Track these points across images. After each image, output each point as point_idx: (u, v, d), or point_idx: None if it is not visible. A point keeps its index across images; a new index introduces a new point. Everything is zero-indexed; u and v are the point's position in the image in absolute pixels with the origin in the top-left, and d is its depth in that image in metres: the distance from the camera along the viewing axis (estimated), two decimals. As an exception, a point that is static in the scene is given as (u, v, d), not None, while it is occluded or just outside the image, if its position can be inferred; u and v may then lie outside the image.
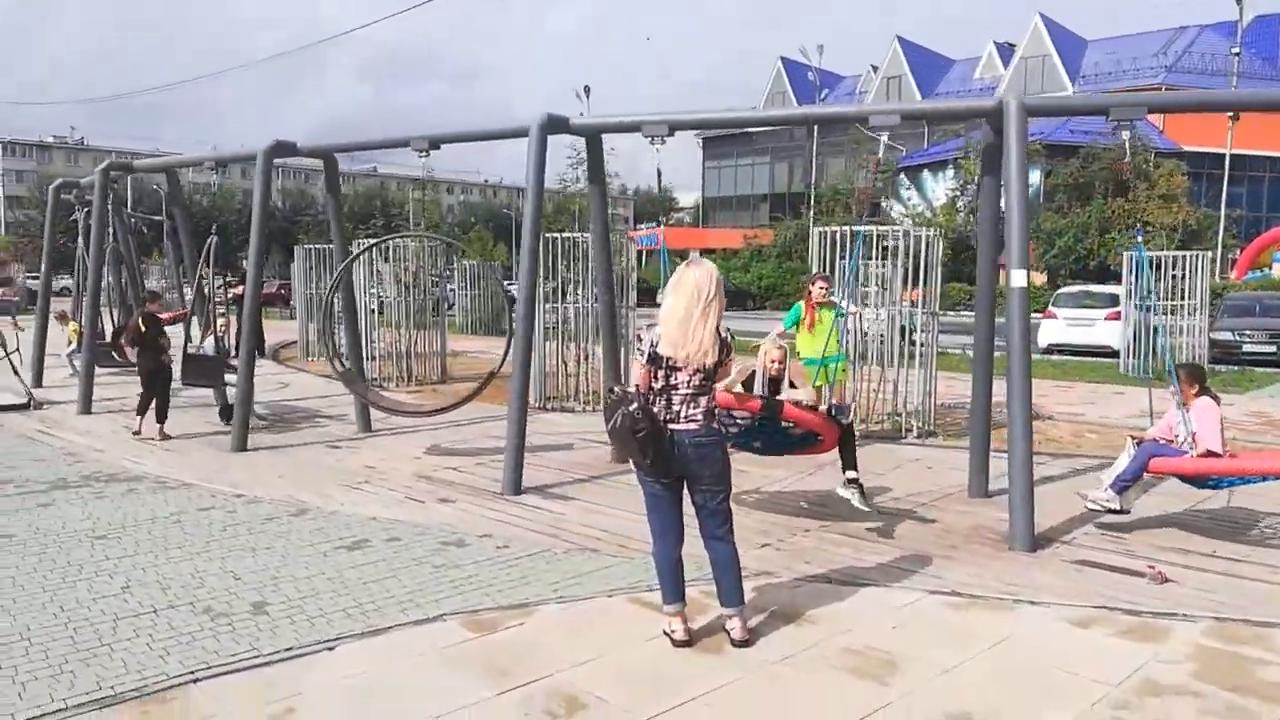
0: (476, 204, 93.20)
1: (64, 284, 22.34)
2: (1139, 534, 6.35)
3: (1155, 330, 14.80)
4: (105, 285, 12.92)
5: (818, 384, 8.58)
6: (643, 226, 60.67)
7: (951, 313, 21.47)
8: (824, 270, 9.97)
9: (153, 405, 9.68)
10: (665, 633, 4.44)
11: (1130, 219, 35.14)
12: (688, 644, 4.37)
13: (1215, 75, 43.91)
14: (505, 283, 22.47)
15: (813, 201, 48.97)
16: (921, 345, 10.18)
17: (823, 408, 6.48)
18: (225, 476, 7.99)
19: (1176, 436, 6.43)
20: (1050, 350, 18.65)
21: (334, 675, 4.12)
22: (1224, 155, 36.99)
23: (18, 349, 12.38)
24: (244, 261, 11.09)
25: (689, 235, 55.46)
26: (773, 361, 6.39)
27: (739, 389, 6.16)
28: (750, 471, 7.68)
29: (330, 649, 4.40)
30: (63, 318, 15.10)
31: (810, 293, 9.28)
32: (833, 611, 4.84)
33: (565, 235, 12.28)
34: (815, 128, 52.74)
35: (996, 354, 7.24)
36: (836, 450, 6.51)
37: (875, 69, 60.87)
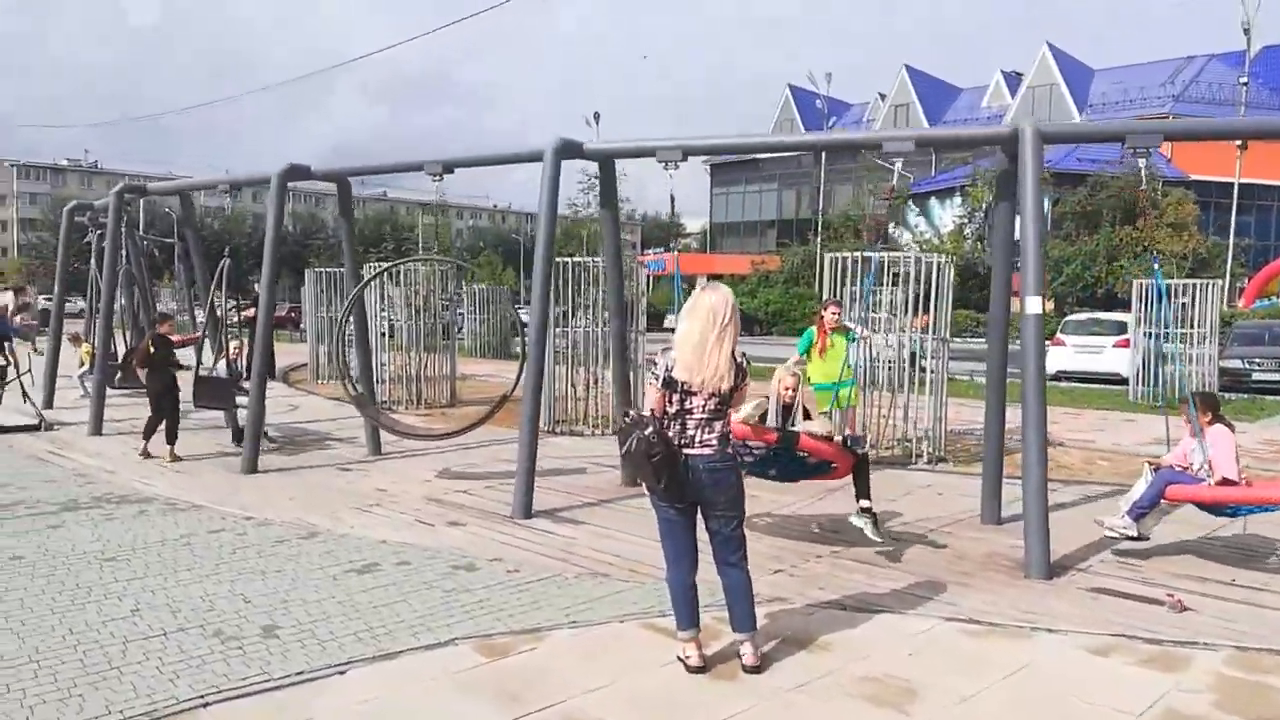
0: (486, 229, 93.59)
1: (77, 306, 22.44)
2: (1155, 561, 6.29)
3: (1169, 358, 14.77)
4: (118, 307, 12.98)
5: (825, 410, 8.57)
6: (650, 251, 60.76)
7: (958, 339, 21.46)
8: (835, 296, 9.99)
9: (163, 427, 9.70)
10: (679, 658, 4.39)
11: (1138, 247, 35.14)
12: (702, 670, 4.32)
13: (1222, 105, 44.01)
14: (515, 307, 22.51)
15: (820, 228, 49.08)
16: (932, 372, 10.16)
17: (838, 438, 6.48)
18: (235, 499, 7.98)
19: (1192, 464, 6.40)
20: (1058, 377, 18.60)
21: (345, 700, 4.08)
22: (1230, 184, 37.01)
23: (29, 370, 12.42)
24: (255, 284, 11.12)
25: (697, 260, 55.56)
26: (786, 389, 6.43)
27: (755, 421, 6.18)
28: (761, 496, 7.64)
29: (341, 673, 4.36)
30: (75, 339, 15.15)
31: (822, 318, 9.27)
32: (847, 638, 4.79)
33: (575, 260, 12.31)
34: (823, 155, 53.04)
35: (1008, 380, 7.23)
36: (850, 476, 6.51)
37: (883, 97, 61.21)
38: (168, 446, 9.64)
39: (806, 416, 6.57)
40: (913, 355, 10.39)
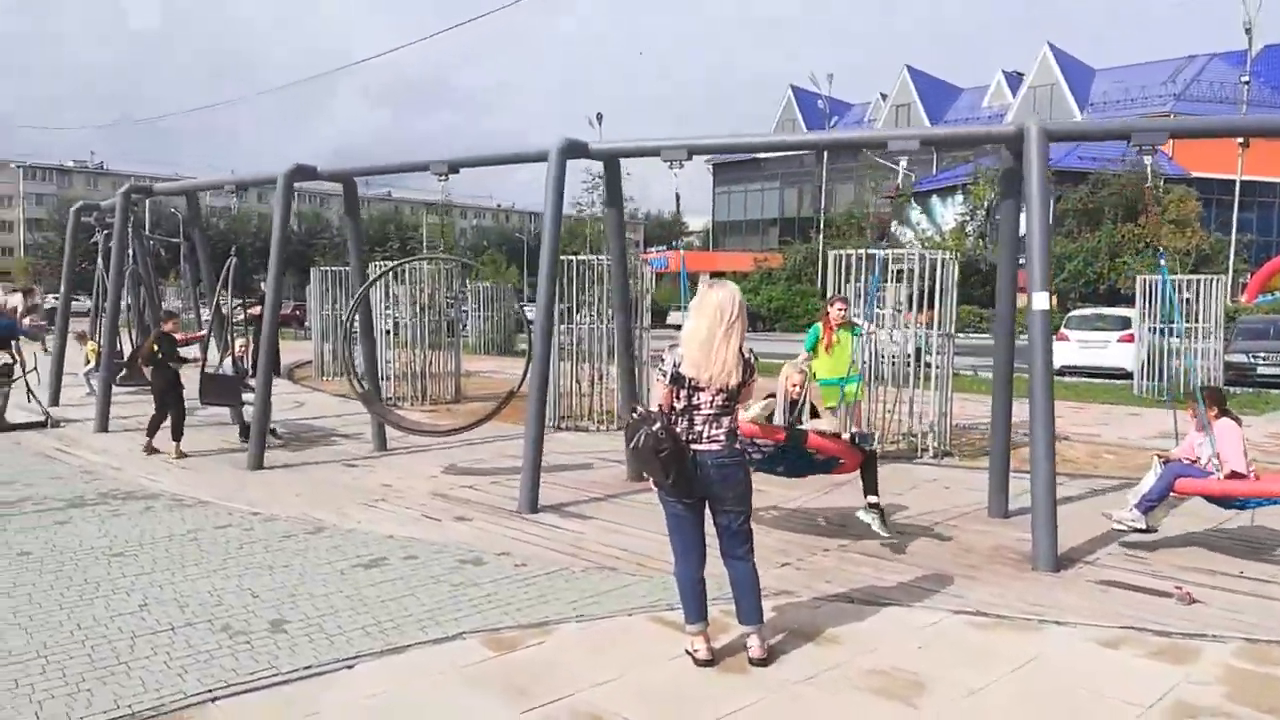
0: (489, 228, 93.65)
1: (83, 305, 22.57)
2: (1162, 554, 6.28)
3: (1177, 353, 14.75)
4: (124, 306, 13.00)
5: (830, 405, 8.57)
6: (653, 250, 60.78)
7: (961, 335, 21.46)
8: (840, 292, 9.99)
9: (168, 424, 9.71)
10: (688, 652, 4.39)
11: (1140, 244, 35.12)
12: (710, 663, 4.32)
13: (1224, 103, 43.91)
14: (519, 304, 22.54)
15: (822, 226, 49.07)
16: (937, 367, 10.16)
17: (846, 435, 6.49)
18: (242, 494, 7.99)
19: (1199, 458, 6.39)
20: (1062, 372, 18.59)
21: (354, 694, 4.08)
22: (1231, 181, 36.99)
23: (35, 368, 12.43)
24: (260, 283, 11.14)
25: (699, 258, 55.54)
26: (794, 386, 6.45)
27: (763, 421, 6.20)
28: (768, 490, 7.62)
29: (350, 667, 4.36)
30: (82, 337, 15.19)
31: (828, 314, 9.27)
32: (855, 631, 4.78)
33: (580, 258, 12.31)
34: (825, 154, 53.00)
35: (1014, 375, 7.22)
36: (858, 472, 6.52)
37: (884, 97, 61.16)
38: (173, 443, 9.66)
39: (814, 414, 6.58)
40: (918, 351, 10.39)
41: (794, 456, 6.40)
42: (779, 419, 6.38)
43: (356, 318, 10.18)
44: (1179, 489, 6.22)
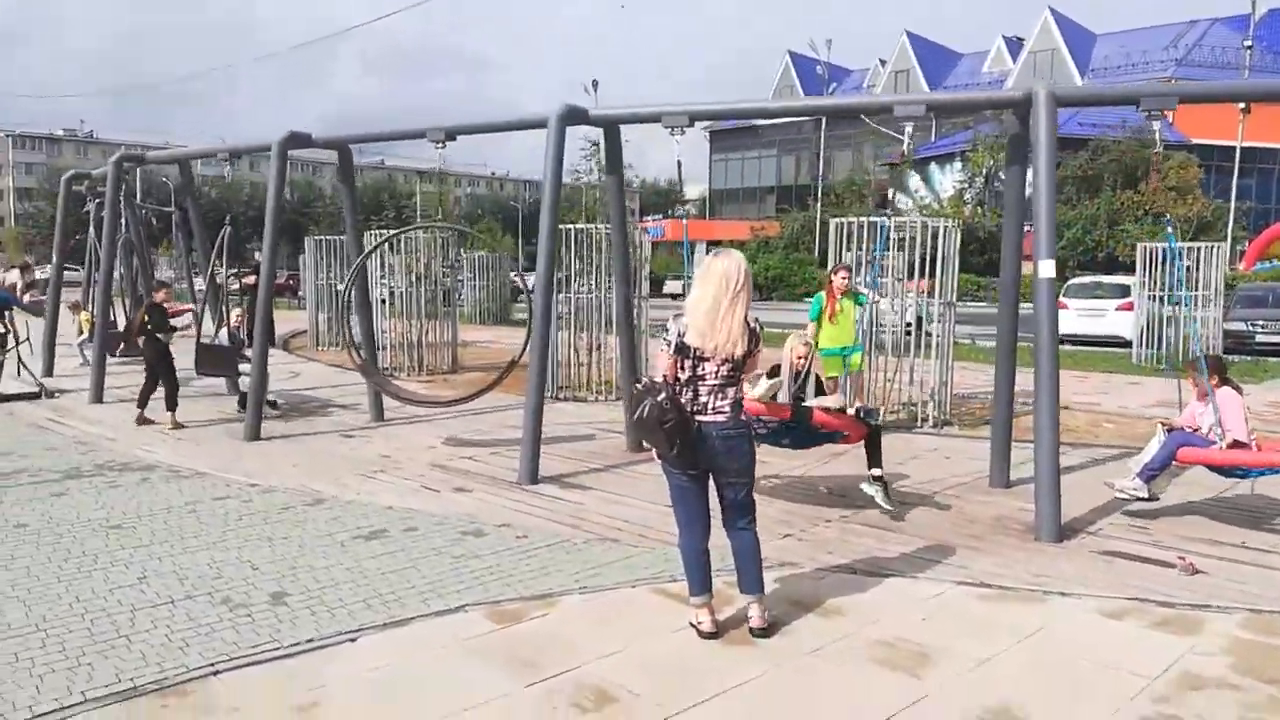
0: (484, 196, 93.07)
1: (74, 275, 22.44)
2: (1164, 523, 6.27)
3: (1182, 320, 14.71)
4: (117, 275, 12.89)
5: (832, 375, 8.54)
6: (649, 219, 60.48)
7: (959, 303, 21.43)
8: (843, 261, 9.92)
9: (162, 394, 9.65)
10: (692, 624, 4.37)
11: (1139, 211, 34.98)
12: (715, 636, 4.30)
13: (1226, 69, 43.65)
14: (514, 274, 22.42)
15: (820, 194, 48.79)
16: (938, 336, 10.10)
17: (850, 411, 6.47)
18: (239, 466, 7.94)
19: (1201, 427, 6.37)
20: (1061, 340, 18.53)
21: (357, 667, 4.05)
22: (1230, 147, 36.76)
23: (28, 339, 12.34)
24: (255, 253, 11.02)
25: (697, 227, 55.31)
26: (799, 358, 6.44)
27: (767, 383, 6.17)
28: (770, 460, 7.60)
29: (352, 640, 4.33)
30: (75, 307, 15.07)
31: (832, 282, 9.20)
32: (859, 603, 4.76)
33: (578, 226, 12.19)
34: (824, 120, 52.64)
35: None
36: (861, 444, 6.50)
37: (883, 63, 60.63)
38: (168, 413, 9.60)
39: (820, 390, 6.56)
40: (919, 319, 10.33)
41: (799, 431, 6.39)
42: (784, 392, 6.35)
43: (353, 287, 10.08)
44: (1181, 458, 6.21)
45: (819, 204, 46.77)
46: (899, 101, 7.13)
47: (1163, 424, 6.53)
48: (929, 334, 10.17)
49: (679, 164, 7.99)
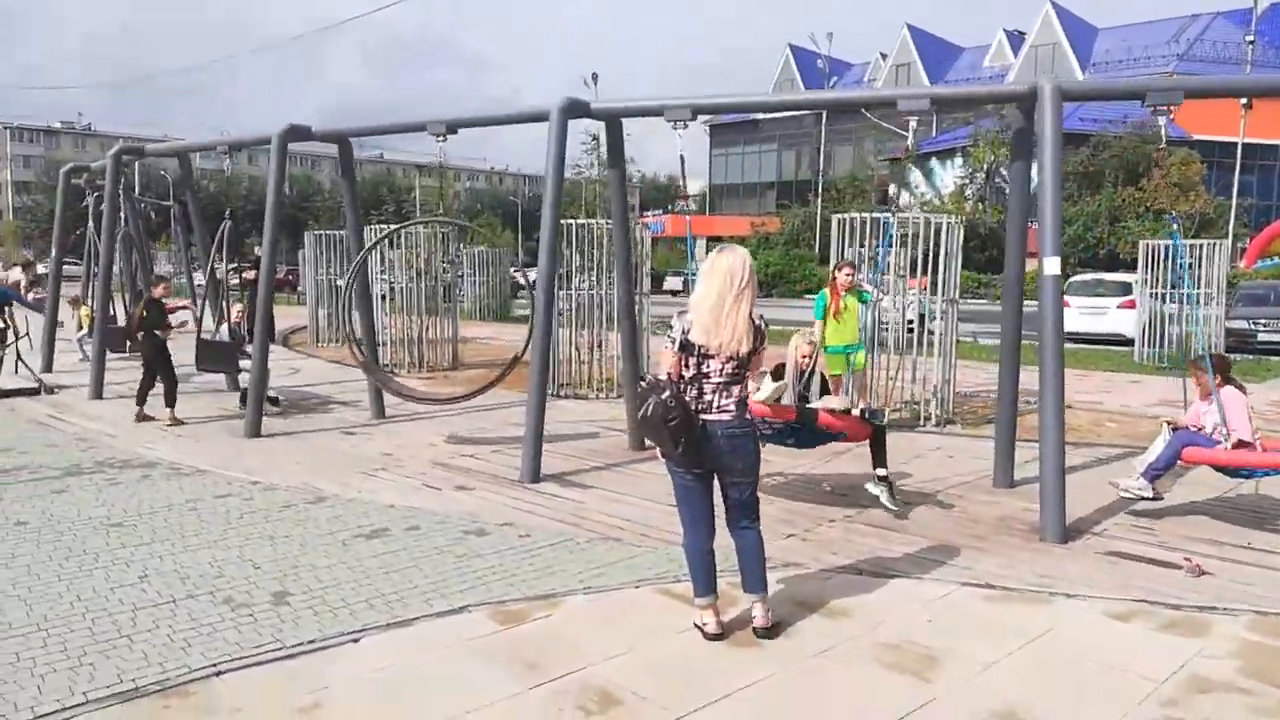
0: (483, 191, 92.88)
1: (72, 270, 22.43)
2: (1169, 524, 6.25)
3: (1185, 319, 14.68)
4: (116, 270, 12.84)
5: (836, 373, 8.51)
6: (649, 214, 60.37)
7: (960, 301, 21.42)
8: (846, 257, 9.87)
9: (161, 390, 9.61)
10: (697, 625, 4.34)
11: (1141, 208, 34.90)
12: (720, 637, 4.27)
13: (1228, 63, 43.55)
14: (514, 269, 22.36)
15: (820, 189, 48.69)
16: (940, 334, 10.06)
17: (855, 411, 6.45)
18: (240, 463, 7.91)
19: (1204, 426, 6.34)
20: (1062, 339, 18.54)
21: (360, 668, 4.03)
22: (1232, 143, 36.69)
23: (27, 334, 12.29)
24: (255, 247, 10.99)
25: (696, 222, 55.15)
26: (804, 357, 6.41)
27: (772, 385, 6.15)
28: (773, 459, 7.56)
29: (355, 641, 4.30)
30: (75, 302, 15.03)
31: (835, 279, 9.14)
32: (864, 604, 4.74)
33: (578, 221, 12.15)
34: (825, 115, 52.48)
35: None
36: (865, 442, 6.49)
37: (884, 57, 60.51)
38: (167, 410, 9.56)
39: (825, 389, 6.53)
40: (921, 317, 10.29)
41: (804, 432, 6.37)
42: (789, 390, 6.33)
43: (354, 283, 10.04)
44: (1186, 458, 6.18)
45: (819, 200, 46.68)
46: (903, 95, 7.09)
47: (1168, 423, 6.50)
48: (931, 332, 10.13)
49: (681, 158, 7.91)
